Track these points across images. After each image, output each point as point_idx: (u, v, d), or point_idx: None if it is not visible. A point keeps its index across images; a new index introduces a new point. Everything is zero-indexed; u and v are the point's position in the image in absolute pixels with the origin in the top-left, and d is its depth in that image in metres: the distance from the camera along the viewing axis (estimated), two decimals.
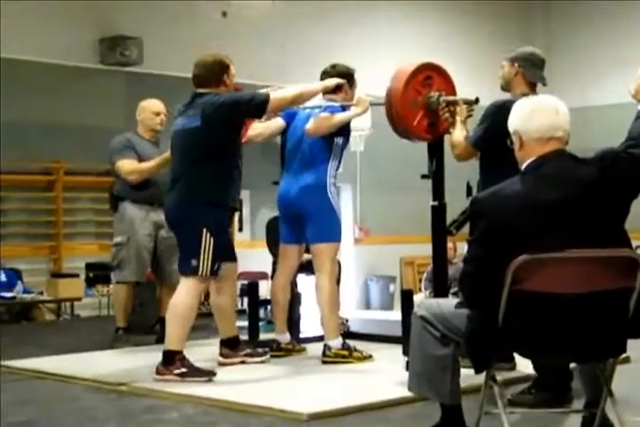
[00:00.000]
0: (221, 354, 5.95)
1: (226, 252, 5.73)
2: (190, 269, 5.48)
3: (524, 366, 5.00)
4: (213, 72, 5.63)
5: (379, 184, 13.77)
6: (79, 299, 10.47)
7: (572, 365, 4.44)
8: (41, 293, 10.30)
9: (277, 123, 6.27)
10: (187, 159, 5.59)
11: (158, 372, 5.38)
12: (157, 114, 6.98)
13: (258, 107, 5.52)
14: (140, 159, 6.83)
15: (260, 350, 6.07)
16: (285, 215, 6.23)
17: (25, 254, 10.69)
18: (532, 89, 5.18)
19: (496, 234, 3.31)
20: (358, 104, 6.03)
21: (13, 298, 9.81)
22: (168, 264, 6.83)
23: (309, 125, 5.98)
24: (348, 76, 6.13)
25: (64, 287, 10.34)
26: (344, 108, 6.05)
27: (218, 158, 5.54)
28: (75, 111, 10.92)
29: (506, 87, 5.27)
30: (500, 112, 4.64)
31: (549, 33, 15.80)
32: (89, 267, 10.77)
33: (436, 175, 5.67)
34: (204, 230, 5.46)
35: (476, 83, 12.93)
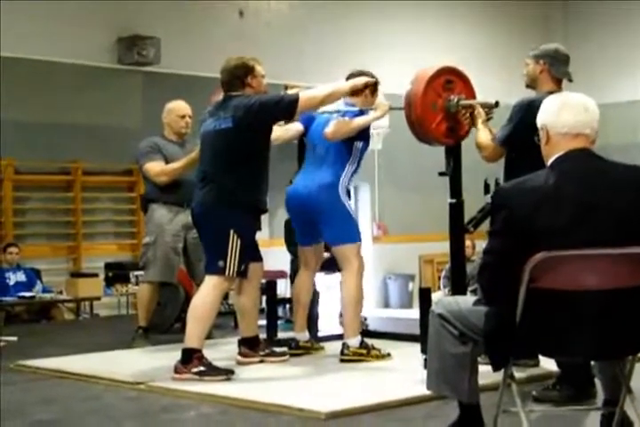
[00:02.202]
0: (240, 353, 5.95)
1: (251, 252, 5.75)
2: (217, 269, 5.51)
3: (548, 362, 4.96)
4: (236, 76, 5.67)
5: (397, 182, 13.76)
6: (98, 298, 10.51)
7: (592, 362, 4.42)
8: (60, 292, 10.34)
9: (296, 127, 6.29)
10: (216, 160, 5.62)
11: (176, 371, 5.39)
12: (182, 117, 6.98)
13: (287, 108, 5.53)
14: (167, 161, 6.84)
15: (279, 350, 6.07)
16: (297, 216, 6.22)
17: (44, 254, 10.74)
18: (558, 85, 5.16)
19: (517, 225, 3.29)
20: (377, 108, 6.04)
21: (33, 297, 9.84)
22: (199, 264, 6.83)
23: (328, 129, 5.97)
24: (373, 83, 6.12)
25: (83, 287, 10.38)
26: (363, 113, 6.04)
27: (248, 160, 5.57)
28: (92, 111, 10.96)
29: (531, 85, 5.24)
30: (528, 110, 4.63)
31: (566, 28, 15.75)
32: (108, 266, 10.83)
33: (454, 173, 5.65)
34: (232, 231, 5.48)
35: (493, 80, 12.92)
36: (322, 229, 6.08)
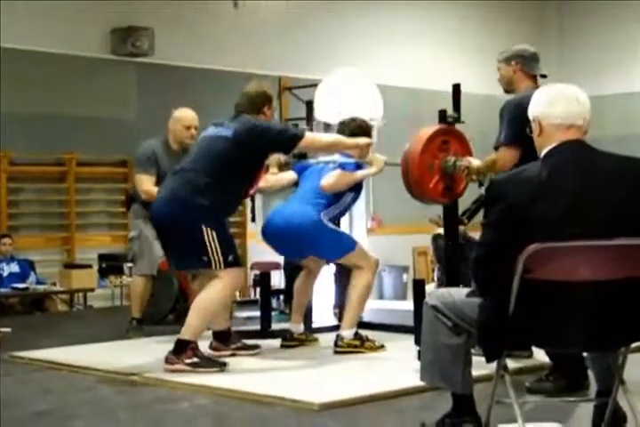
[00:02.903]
0: (212, 347, 5.93)
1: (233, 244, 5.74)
2: (204, 264, 5.49)
3: (542, 353, 4.97)
4: (255, 102, 5.69)
5: (391, 174, 13.73)
6: (92, 289, 10.50)
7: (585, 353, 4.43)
8: (54, 283, 10.33)
9: (290, 176, 6.33)
10: (204, 159, 5.58)
11: (167, 361, 5.37)
12: (188, 128, 6.87)
13: (288, 140, 5.56)
14: (160, 173, 6.77)
15: (250, 343, 6.06)
16: (277, 241, 6.13)
17: (38, 245, 10.73)
18: (535, 82, 5.16)
19: (514, 216, 3.29)
20: (373, 163, 6.09)
21: (26, 289, 9.84)
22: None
23: (326, 181, 5.99)
24: (366, 130, 6.13)
25: (77, 278, 10.37)
26: (360, 166, 6.07)
27: (232, 173, 5.54)
28: (87, 102, 10.94)
29: (508, 88, 5.26)
30: (518, 107, 4.61)
31: (562, 21, 15.76)
32: (102, 258, 10.82)
33: None
34: (203, 226, 5.44)
35: (486, 75, 12.84)
36: (315, 254, 6.10)
